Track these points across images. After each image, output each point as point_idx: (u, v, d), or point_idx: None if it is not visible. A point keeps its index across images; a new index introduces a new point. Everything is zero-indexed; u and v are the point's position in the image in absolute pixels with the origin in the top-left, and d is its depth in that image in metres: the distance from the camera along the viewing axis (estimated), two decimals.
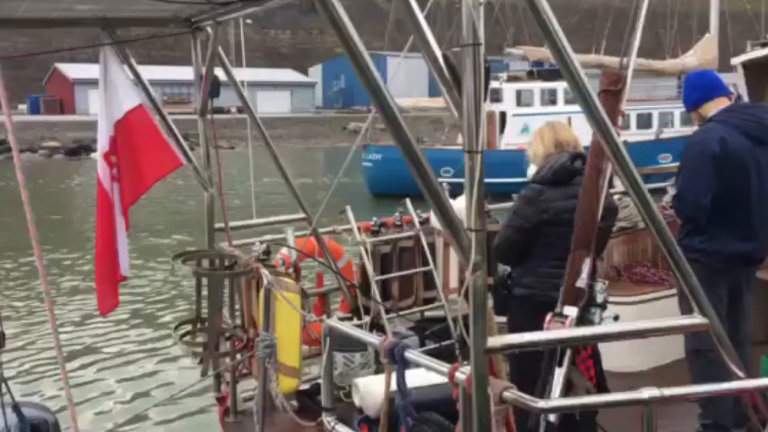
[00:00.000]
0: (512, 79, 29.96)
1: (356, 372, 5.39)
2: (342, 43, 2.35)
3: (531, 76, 29.89)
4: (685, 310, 4.04)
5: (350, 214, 6.18)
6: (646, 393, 2.57)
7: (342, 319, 5.73)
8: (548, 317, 3.01)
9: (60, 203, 26.76)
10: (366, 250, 6.05)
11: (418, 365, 3.05)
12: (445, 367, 2.78)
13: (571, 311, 3.00)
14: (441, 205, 2.46)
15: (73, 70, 64.65)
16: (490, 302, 4.40)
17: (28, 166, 35.45)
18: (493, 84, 29.17)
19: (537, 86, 29.09)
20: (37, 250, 2.56)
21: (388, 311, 6.08)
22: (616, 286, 6.21)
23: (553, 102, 28.78)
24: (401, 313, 6.30)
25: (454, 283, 6.77)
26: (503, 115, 28.57)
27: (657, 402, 2.56)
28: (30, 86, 65.84)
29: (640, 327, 3.00)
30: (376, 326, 5.91)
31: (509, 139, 27.51)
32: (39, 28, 4.82)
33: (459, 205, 6.59)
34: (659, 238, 2.73)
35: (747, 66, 6.99)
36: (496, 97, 28.72)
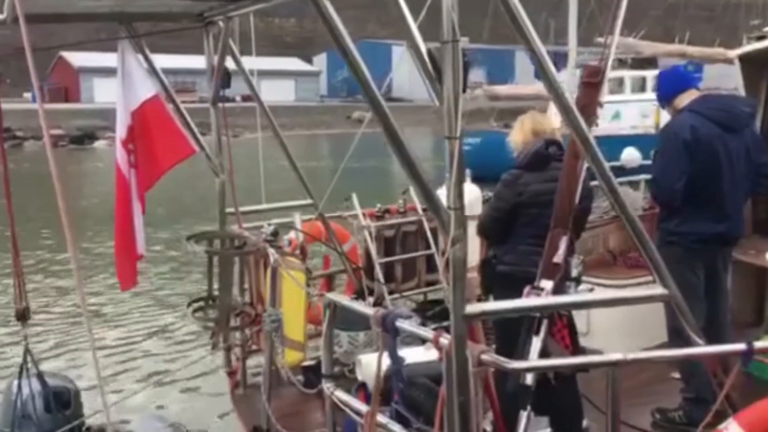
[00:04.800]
0: None
1: (360, 350, 5.67)
2: (332, 38, 2.61)
3: (621, 64, 30.29)
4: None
5: (355, 201, 6.46)
6: (613, 356, 2.84)
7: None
8: (527, 289, 3.29)
9: (67, 190, 27.11)
10: (370, 233, 6.33)
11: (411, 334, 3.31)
12: (431, 333, 3.05)
13: (548, 284, 3.27)
14: (424, 188, 2.74)
15: (77, 59, 64.19)
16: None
17: (33, 154, 35.81)
18: None
19: (627, 74, 29.50)
20: (67, 221, 2.85)
21: (391, 293, 6.35)
22: (612, 270, 6.48)
23: (643, 89, 29.23)
24: (404, 294, 6.58)
25: None
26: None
27: (622, 364, 2.83)
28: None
29: (607, 297, 3.26)
30: (380, 306, 6.19)
31: (601, 125, 28.08)
32: (60, 22, 5.08)
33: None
34: (623, 215, 2.99)
35: (743, 59, 7.18)
36: None
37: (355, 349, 5.71)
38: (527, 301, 3.20)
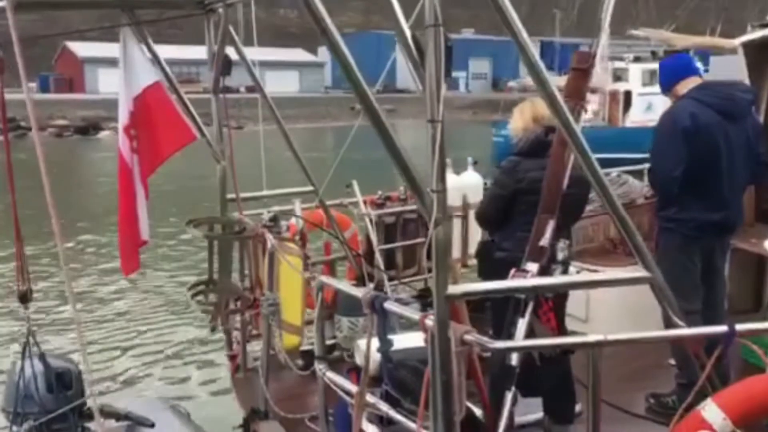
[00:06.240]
0: (637, 59, 30.55)
1: (360, 335, 5.74)
2: (320, 32, 2.66)
3: (655, 56, 30.29)
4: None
5: (356, 188, 6.51)
6: (592, 338, 2.89)
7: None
8: (512, 271, 3.34)
9: (72, 180, 27.41)
10: (371, 220, 6.38)
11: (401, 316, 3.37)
12: (417, 315, 3.11)
13: (533, 267, 3.33)
14: (408, 173, 2.79)
15: (82, 49, 64.22)
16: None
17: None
18: (619, 64, 30.08)
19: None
20: (53, 208, 2.90)
21: (392, 279, 6.40)
22: (610, 258, 6.53)
23: None
24: (405, 281, 6.63)
25: (456, 253, 7.11)
26: (628, 93, 29.29)
27: (603, 345, 2.88)
28: (39, 65, 65.75)
29: (588, 279, 3.31)
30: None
31: (635, 117, 28.65)
32: (62, 9, 5.17)
33: (461, 182, 6.86)
34: (607, 203, 3.03)
35: (747, 47, 7.17)
36: (620, 76, 29.42)
37: (355, 335, 5.77)
38: (509, 282, 3.26)
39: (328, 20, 2.65)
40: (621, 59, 30.64)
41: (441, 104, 2.65)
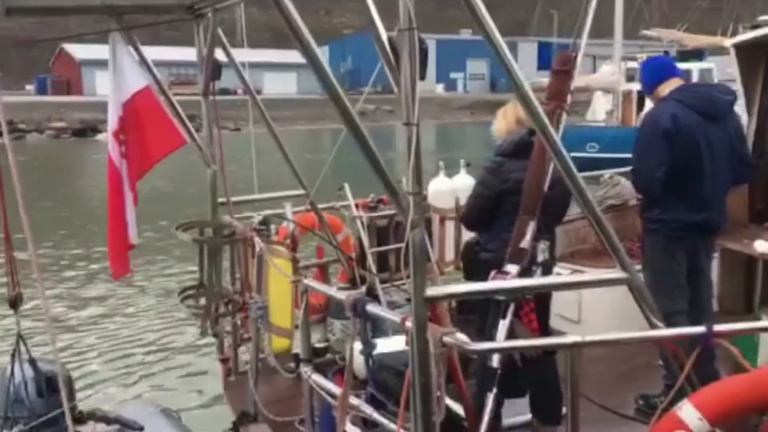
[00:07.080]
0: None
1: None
2: (291, 33, 2.67)
3: (667, 56, 30.23)
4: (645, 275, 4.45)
5: (348, 191, 6.52)
6: (570, 339, 2.90)
7: (340, 289, 6.08)
8: (492, 273, 3.35)
9: (70, 181, 27.35)
10: (362, 223, 6.39)
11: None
12: (398, 317, 3.12)
13: (513, 268, 3.34)
14: (384, 176, 2.81)
15: (79, 51, 64.36)
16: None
17: (34, 146, 35.83)
18: (632, 64, 30.15)
19: None
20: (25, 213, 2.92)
21: (384, 282, 6.42)
22: (601, 260, 6.51)
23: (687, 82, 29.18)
24: (396, 283, 6.64)
25: (449, 256, 7.12)
26: (641, 93, 29.17)
27: (580, 346, 2.89)
28: (37, 67, 66.09)
29: (566, 280, 3.32)
30: (372, 296, 6.25)
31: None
32: (53, 16, 5.21)
33: (454, 184, 6.88)
34: (585, 208, 3.04)
35: (739, 48, 7.18)
36: (633, 76, 29.45)
37: (347, 337, 5.78)
38: (489, 284, 3.27)
39: (299, 22, 2.66)
40: (634, 59, 30.67)
41: (416, 107, 2.67)
